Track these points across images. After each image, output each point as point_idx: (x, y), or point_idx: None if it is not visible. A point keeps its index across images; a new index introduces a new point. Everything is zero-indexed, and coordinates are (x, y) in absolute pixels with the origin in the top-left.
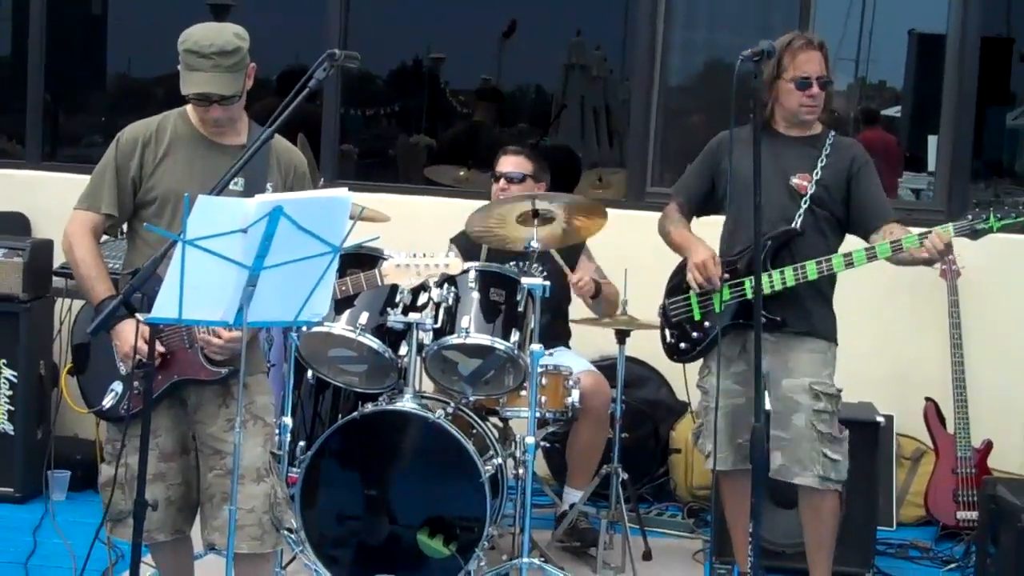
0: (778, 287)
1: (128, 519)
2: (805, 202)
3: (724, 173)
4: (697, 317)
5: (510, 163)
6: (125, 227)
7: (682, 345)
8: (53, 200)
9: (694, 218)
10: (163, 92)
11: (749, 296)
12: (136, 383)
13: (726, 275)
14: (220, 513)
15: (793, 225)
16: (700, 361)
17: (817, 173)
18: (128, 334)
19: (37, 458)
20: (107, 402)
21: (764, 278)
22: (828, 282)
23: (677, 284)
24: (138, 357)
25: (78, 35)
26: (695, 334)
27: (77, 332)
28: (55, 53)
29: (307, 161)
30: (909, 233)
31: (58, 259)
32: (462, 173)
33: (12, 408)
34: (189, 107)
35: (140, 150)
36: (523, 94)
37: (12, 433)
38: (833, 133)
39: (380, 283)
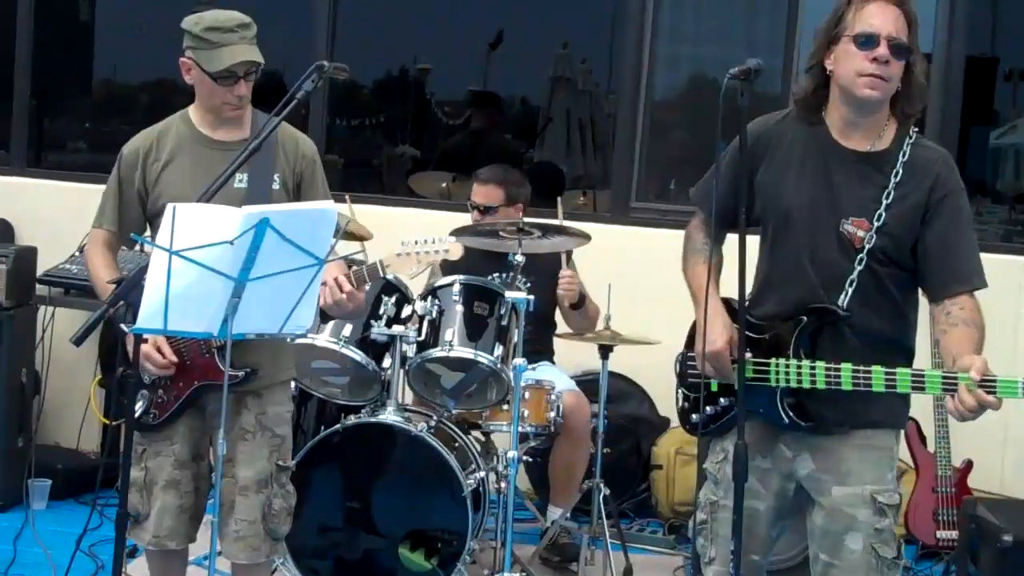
0: (806, 385)
1: (146, 523)
2: (861, 260)
3: (757, 187)
4: (714, 388)
5: (481, 194)
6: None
7: (694, 417)
8: (37, 206)
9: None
10: (148, 98)
11: (773, 383)
12: (161, 391)
13: (747, 353)
14: (228, 521)
15: (840, 301)
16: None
17: (879, 216)
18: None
19: (17, 467)
20: (137, 410)
21: (792, 369)
22: (900, 331)
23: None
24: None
25: (65, 40)
26: (710, 408)
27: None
28: (41, 58)
29: None
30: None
31: (42, 266)
32: (445, 185)
33: None
34: (191, 108)
35: (142, 162)
36: (509, 106)
37: None
38: (912, 139)
39: (382, 274)
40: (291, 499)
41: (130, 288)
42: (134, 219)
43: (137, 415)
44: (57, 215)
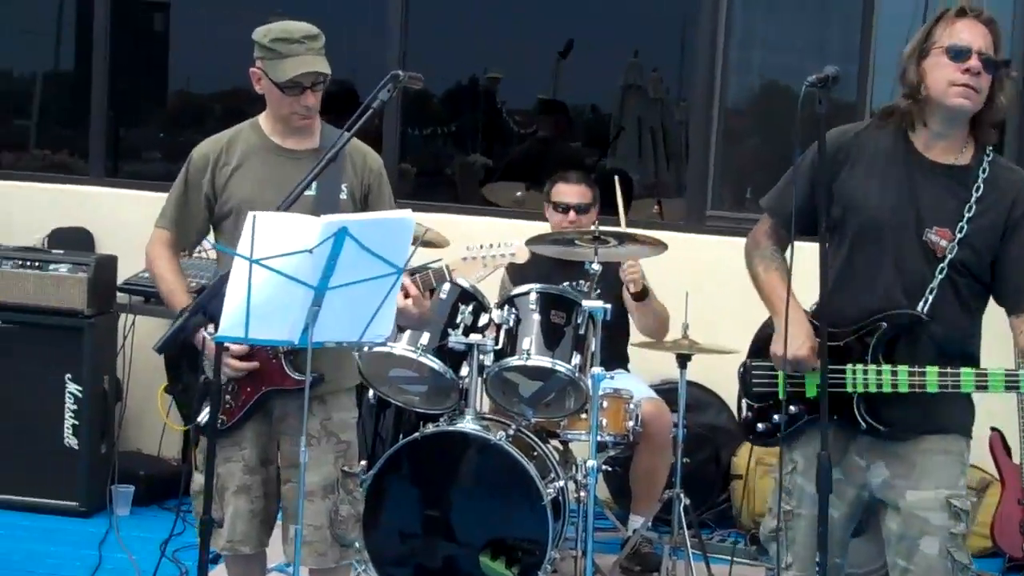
0: (887, 389)
1: (219, 528)
2: (942, 270)
3: (837, 194)
4: (782, 395)
5: (575, 193)
6: (211, 240)
7: (760, 426)
8: (117, 215)
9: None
10: (221, 108)
11: (849, 389)
12: (228, 396)
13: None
14: (292, 527)
15: (920, 308)
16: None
17: (962, 228)
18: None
19: (101, 473)
20: (202, 417)
21: (872, 373)
22: (970, 339)
23: (763, 345)
24: (228, 373)
25: (141, 51)
26: (776, 416)
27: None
28: (118, 69)
29: None
30: None
31: (122, 275)
32: (519, 194)
33: (77, 423)
34: (261, 117)
35: (211, 166)
36: (579, 114)
37: (76, 448)
38: (990, 157)
39: (448, 278)
40: (359, 505)
41: (211, 297)
42: (197, 222)
43: (203, 422)
44: (136, 224)
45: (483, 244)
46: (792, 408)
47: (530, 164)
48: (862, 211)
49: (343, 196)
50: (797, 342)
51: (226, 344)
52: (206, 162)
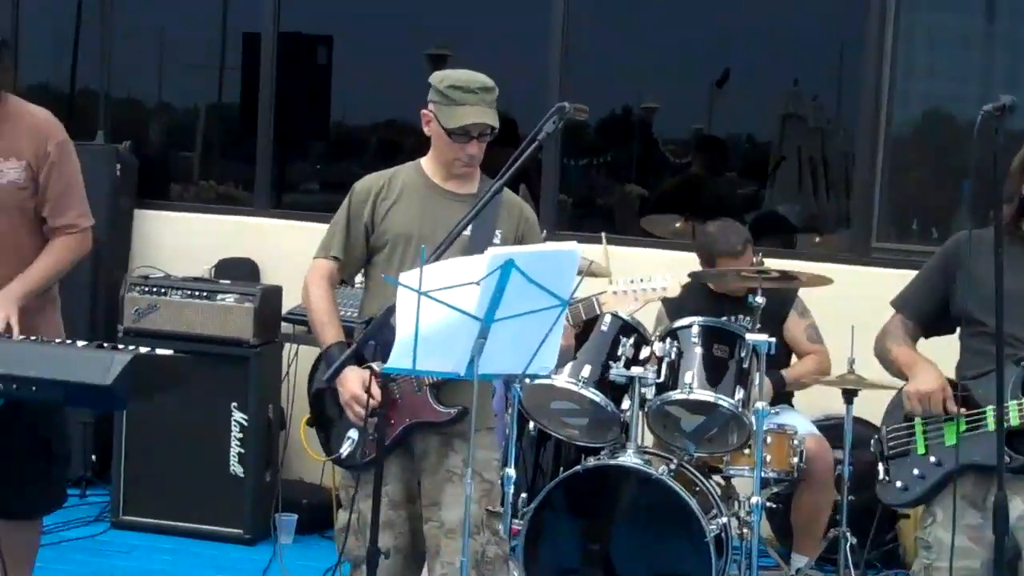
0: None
1: (363, 565)
2: None
3: (961, 288)
4: (921, 451)
5: (739, 264)
6: (360, 276)
7: (898, 483)
8: (281, 246)
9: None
10: (377, 140)
11: (991, 428)
12: (371, 430)
13: (961, 410)
14: (435, 566)
15: None
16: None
17: None
18: (350, 382)
19: (265, 501)
20: (344, 449)
21: (1013, 407)
22: None
23: (896, 411)
24: (372, 404)
25: (304, 84)
26: (916, 471)
27: (314, 381)
28: (283, 102)
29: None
30: None
31: (286, 305)
32: (678, 225)
33: (242, 451)
34: (424, 159)
35: (373, 198)
36: (734, 144)
37: (242, 475)
38: None
39: (598, 311)
40: (504, 546)
41: (378, 328)
42: (358, 253)
43: (345, 454)
44: (300, 255)
45: (634, 278)
46: (932, 459)
47: (685, 196)
48: (979, 290)
49: (496, 241)
50: (928, 381)
51: (360, 378)
52: (368, 194)
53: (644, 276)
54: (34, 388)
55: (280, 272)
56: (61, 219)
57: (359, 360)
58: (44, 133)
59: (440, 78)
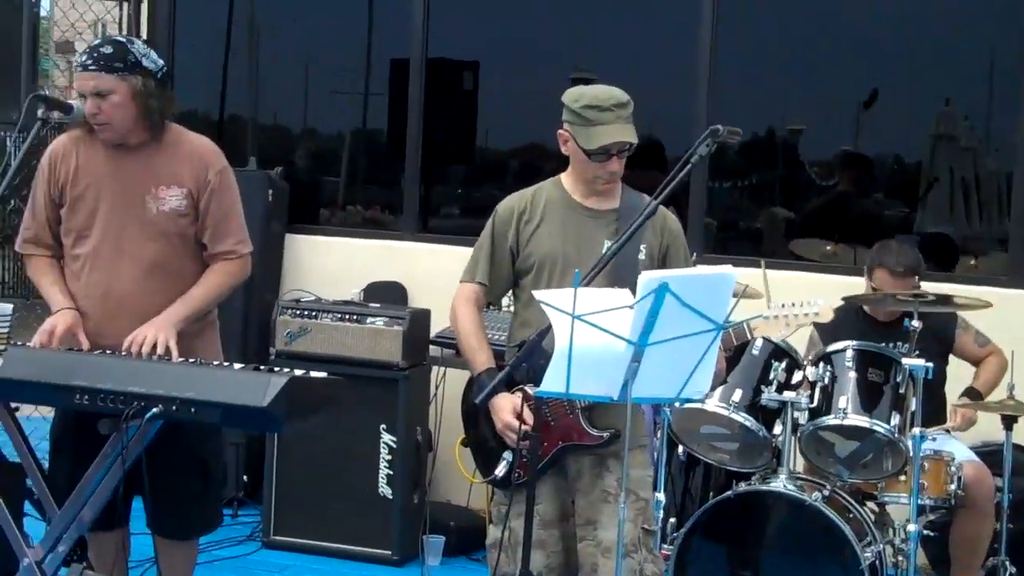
0: None
1: None
2: None
3: None
4: None
5: (903, 286)
6: (508, 299)
7: None
8: (428, 270)
9: None
10: (518, 163)
11: None
12: (524, 452)
13: None
14: None
15: None
16: None
17: None
18: (503, 410)
19: (413, 522)
20: (500, 471)
21: None
22: None
23: None
24: (524, 428)
25: (450, 110)
26: None
27: (466, 402)
28: (430, 127)
29: None
30: None
31: (434, 328)
32: (829, 248)
33: (391, 472)
34: (563, 175)
35: (516, 220)
36: (882, 165)
37: (391, 497)
38: None
39: (749, 336)
40: (660, 564)
41: (530, 352)
42: (503, 276)
43: (500, 475)
44: (447, 278)
45: (785, 303)
46: None
47: (832, 216)
48: None
49: (641, 256)
50: None
51: (512, 404)
52: (511, 215)
53: (797, 301)
54: (193, 409)
55: (427, 295)
56: (221, 245)
57: (510, 383)
58: (205, 161)
59: (574, 97)
